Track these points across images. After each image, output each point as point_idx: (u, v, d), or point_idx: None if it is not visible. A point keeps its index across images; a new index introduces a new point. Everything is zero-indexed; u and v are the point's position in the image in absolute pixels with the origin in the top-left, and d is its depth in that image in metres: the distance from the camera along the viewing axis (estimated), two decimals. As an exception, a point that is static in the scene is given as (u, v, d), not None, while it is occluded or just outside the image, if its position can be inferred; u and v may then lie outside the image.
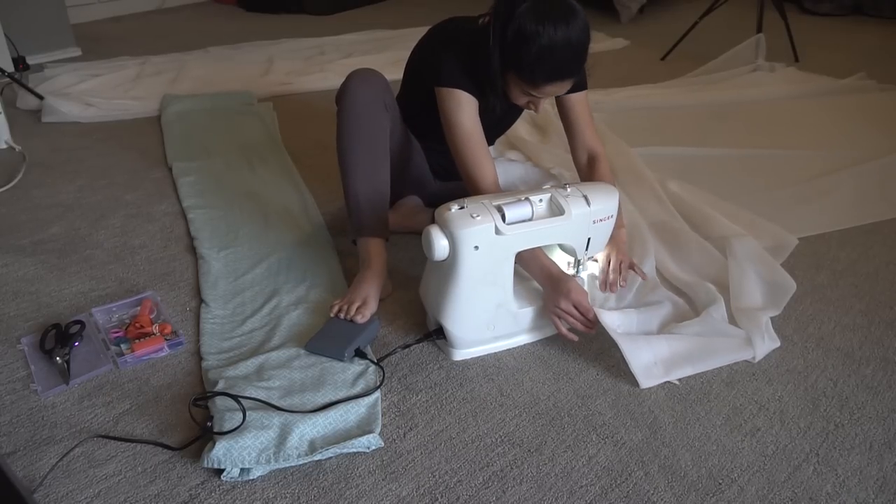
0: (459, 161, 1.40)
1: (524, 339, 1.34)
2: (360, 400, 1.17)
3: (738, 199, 1.83)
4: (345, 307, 1.34)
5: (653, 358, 1.24)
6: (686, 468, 1.07)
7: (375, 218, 1.44)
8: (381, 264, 1.43)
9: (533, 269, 1.32)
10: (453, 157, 1.41)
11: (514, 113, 1.64)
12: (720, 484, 1.05)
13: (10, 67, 2.77)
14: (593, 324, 1.27)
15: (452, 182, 1.68)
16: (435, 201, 1.59)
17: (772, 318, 1.38)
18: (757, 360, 1.29)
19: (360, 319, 1.32)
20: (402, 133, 1.55)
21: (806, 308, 1.45)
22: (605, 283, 1.40)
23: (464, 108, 1.37)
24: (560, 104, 1.54)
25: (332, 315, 1.35)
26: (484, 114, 1.41)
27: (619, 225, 1.38)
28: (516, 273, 1.27)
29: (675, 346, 1.27)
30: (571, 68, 1.29)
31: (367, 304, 1.35)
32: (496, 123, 1.62)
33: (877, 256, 1.65)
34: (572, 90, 1.48)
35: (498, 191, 1.39)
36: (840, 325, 1.40)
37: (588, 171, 1.53)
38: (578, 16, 1.25)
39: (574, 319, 1.27)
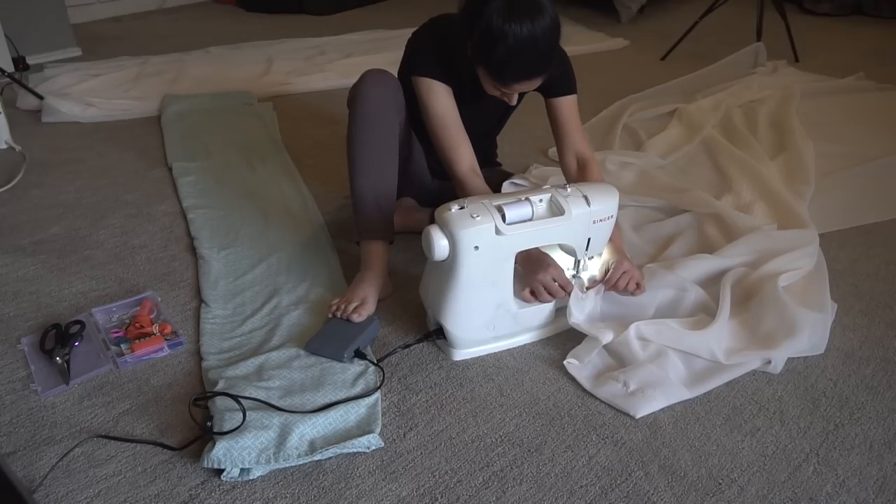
0: (437, 145, 1.45)
1: (524, 339, 1.34)
2: (360, 400, 1.17)
3: (736, 200, 1.84)
4: (342, 306, 1.35)
5: (665, 403, 1.20)
6: (686, 468, 1.07)
7: (381, 220, 1.44)
8: (382, 266, 1.43)
9: None
10: (433, 143, 1.44)
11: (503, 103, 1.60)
12: (720, 484, 1.05)
13: (10, 67, 2.77)
14: (569, 290, 1.32)
15: (450, 181, 1.68)
16: (433, 199, 1.59)
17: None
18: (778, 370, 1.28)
19: (356, 318, 1.32)
20: (407, 132, 1.55)
21: (806, 308, 1.45)
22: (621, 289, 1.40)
23: (436, 94, 1.42)
24: (548, 106, 1.54)
25: (329, 315, 1.35)
26: (469, 103, 1.45)
27: (614, 234, 1.39)
28: (515, 273, 1.27)
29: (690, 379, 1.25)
30: (539, 67, 1.30)
31: (364, 304, 1.35)
32: (490, 112, 1.61)
33: (877, 256, 1.64)
34: (559, 94, 1.51)
35: (474, 174, 1.43)
36: (840, 325, 1.39)
37: (579, 177, 1.52)
38: (546, 13, 1.25)
39: (553, 291, 1.30)
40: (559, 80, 1.49)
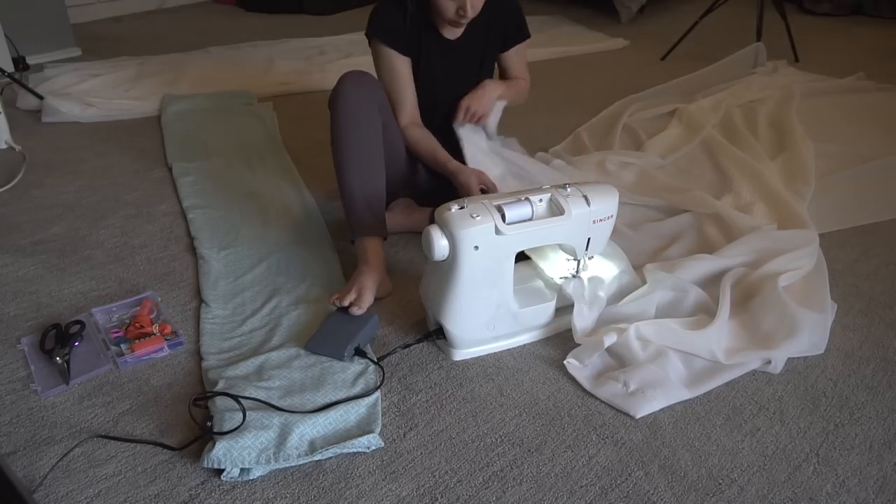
0: (388, 96, 1.57)
1: (524, 339, 1.34)
2: (360, 400, 1.17)
3: (736, 200, 1.83)
4: (341, 298, 1.35)
5: (665, 403, 1.20)
6: (686, 468, 1.08)
7: (372, 217, 1.44)
8: (379, 261, 1.44)
9: (436, 168, 1.56)
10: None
11: (472, 58, 1.67)
12: (720, 484, 1.05)
13: (10, 67, 2.77)
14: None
15: (444, 178, 1.69)
16: (431, 198, 1.60)
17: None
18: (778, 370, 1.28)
19: (355, 311, 1.33)
20: (395, 133, 1.56)
21: (806, 308, 1.45)
22: (465, 111, 1.61)
23: (385, 54, 1.55)
24: (502, 60, 1.71)
25: (331, 302, 1.35)
26: (441, 52, 1.59)
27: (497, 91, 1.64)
28: (516, 274, 1.27)
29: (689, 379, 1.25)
30: None
31: (362, 296, 1.35)
32: (466, 64, 1.66)
33: (877, 256, 1.65)
34: (514, 43, 1.68)
35: (414, 125, 1.59)
36: (840, 325, 1.40)
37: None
38: None
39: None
40: (515, 30, 1.66)
